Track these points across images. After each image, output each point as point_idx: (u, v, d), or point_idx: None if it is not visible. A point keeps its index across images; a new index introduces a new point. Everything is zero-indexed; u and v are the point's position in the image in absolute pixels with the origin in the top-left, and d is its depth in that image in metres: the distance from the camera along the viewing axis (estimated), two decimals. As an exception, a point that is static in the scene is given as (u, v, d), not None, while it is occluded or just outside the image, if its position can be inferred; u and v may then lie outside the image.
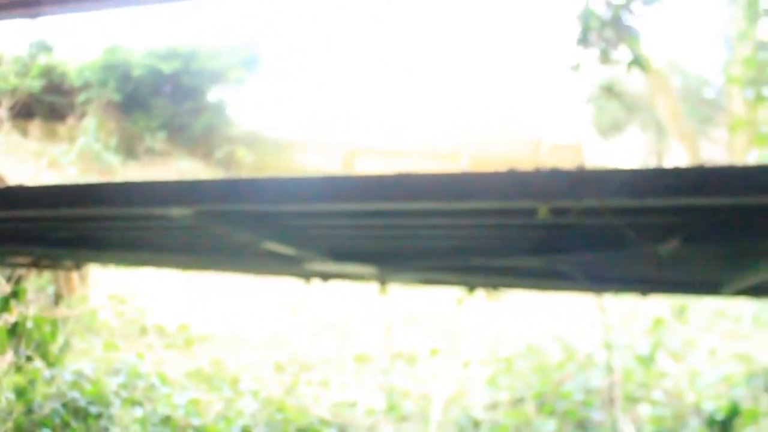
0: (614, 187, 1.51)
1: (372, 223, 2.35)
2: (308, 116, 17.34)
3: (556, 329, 6.64)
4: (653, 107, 13.99)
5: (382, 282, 3.25)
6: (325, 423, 5.27)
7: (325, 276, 4.10)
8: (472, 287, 4.11)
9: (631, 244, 1.92)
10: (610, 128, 17.30)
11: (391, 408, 5.71)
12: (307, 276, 4.08)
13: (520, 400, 5.51)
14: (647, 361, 5.58)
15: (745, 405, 5.04)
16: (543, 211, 1.52)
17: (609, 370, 5.30)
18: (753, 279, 3.29)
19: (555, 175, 1.51)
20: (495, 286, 4.08)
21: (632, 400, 5.20)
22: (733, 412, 4.79)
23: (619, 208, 1.69)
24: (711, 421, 4.79)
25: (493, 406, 5.58)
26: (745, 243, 2.22)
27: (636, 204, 1.64)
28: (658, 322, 6.00)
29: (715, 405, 5.07)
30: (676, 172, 1.60)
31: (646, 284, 3.97)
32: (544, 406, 5.36)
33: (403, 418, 5.56)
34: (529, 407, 5.37)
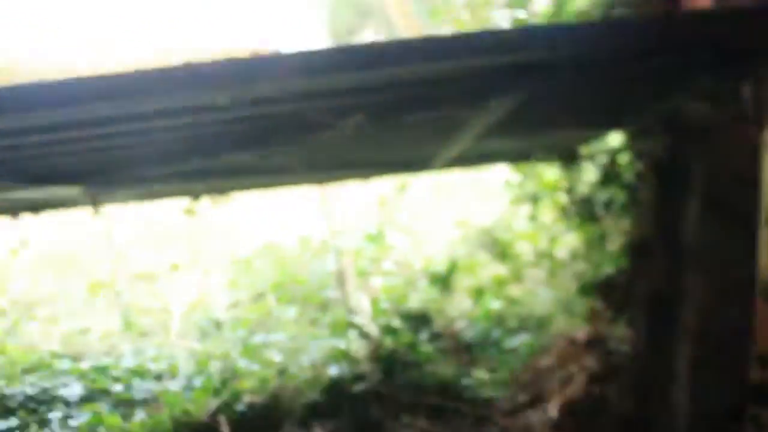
0: (288, 69, 1.57)
1: (68, 137, 2.20)
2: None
3: (292, 225, 6.85)
4: (385, 9, 14.58)
5: (94, 203, 3.09)
6: (56, 355, 5.00)
7: (34, 208, 3.79)
8: (196, 195, 4.06)
9: (322, 126, 2.02)
10: (346, 33, 17.72)
11: (128, 326, 5.58)
12: (13, 210, 3.74)
13: (260, 295, 5.69)
14: (377, 238, 6.00)
15: (465, 262, 5.69)
16: (220, 101, 1.54)
17: (338, 252, 5.64)
18: (453, 151, 3.62)
19: (230, 64, 1.53)
20: (219, 191, 4.08)
21: (364, 275, 5.61)
22: (452, 268, 5.39)
23: (301, 93, 1.76)
24: (434, 279, 5.35)
25: (234, 305, 5.70)
26: (425, 117, 2.43)
27: (314, 86, 1.72)
28: (383, 201, 6.42)
29: (440, 267, 5.65)
30: (347, 50, 1.71)
31: (361, 168, 4.23)
32: (282, 296, 5.60)
33: (143, 334, 5.48)
34: (270, 300, 5.57)
